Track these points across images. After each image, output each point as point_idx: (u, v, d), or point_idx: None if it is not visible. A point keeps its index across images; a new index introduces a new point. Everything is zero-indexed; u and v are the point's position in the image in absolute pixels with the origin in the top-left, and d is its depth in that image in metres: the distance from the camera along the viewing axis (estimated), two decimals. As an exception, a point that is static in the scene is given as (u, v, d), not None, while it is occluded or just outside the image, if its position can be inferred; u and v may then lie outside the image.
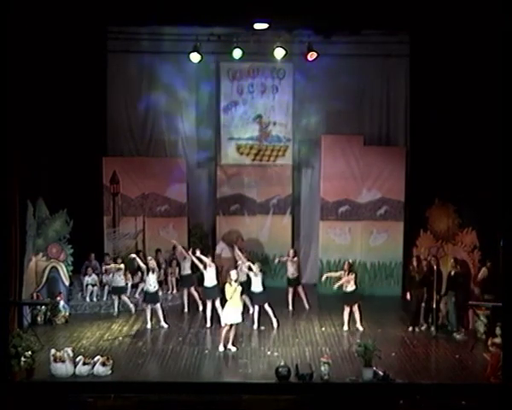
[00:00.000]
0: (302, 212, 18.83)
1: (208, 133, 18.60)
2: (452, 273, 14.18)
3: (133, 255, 15.28)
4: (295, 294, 16.04)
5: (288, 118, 18.31)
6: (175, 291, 16.63)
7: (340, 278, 14.51)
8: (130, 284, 16.00)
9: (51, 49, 15.00)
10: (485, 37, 12.96)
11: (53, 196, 15.65)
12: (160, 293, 15.26)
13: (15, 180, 12.96)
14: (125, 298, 15.63)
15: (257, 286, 14.49)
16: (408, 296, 14.69)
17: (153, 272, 14.59)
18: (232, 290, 12.93)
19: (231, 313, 12.94)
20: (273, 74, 18.16)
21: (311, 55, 16.84)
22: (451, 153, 15.62)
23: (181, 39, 17.12)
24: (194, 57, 16.92)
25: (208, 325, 14.54)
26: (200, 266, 14.82)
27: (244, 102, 18.30)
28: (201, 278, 15.02)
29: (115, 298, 15.62)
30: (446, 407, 10.65)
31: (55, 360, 11.66)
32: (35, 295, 14.98)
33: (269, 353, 12.92)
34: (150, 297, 14.59)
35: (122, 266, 15.51)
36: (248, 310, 14.78)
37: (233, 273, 13.20)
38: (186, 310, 15.78)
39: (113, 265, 15.62)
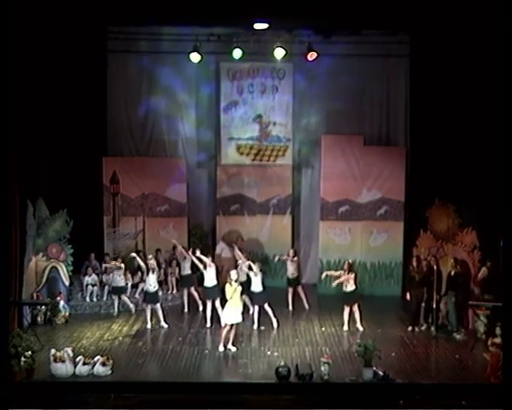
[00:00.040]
0: (302, 212, 18.83)
1: (208, 135, 18.60)
2: (452, 273, 14.18)
3: (133, 254, 15.31)
4: (295, 294, 16.05)
5: (288, 118, 18.31)
6: (175, 291, 16.64)
7: (339, 277, 14.51)
8: (130, 284, 16.00)
9: (51, 49, 15.00)
10: (485, 37, 12.96)
11: (53, 196, 15.65)
12: (160, 293, 15.27)
13: (15, 180, 12.96)
14: (125, 298, 15.63)
15: (257, 286, 14.49)
16: (408, 296, 14.68)
17: (153, 272, 14.60)
18: (232, 290, 12.93)
19: (231, 313, 12.94)
20: (273, 74, 18.17)
21: (311, 55, 16.84)
22: (451, 153, 15.62)
23: (181, 39, 17.13)
24: (194, 57, 16.92)
25: (208, 325, 14.54)
26: (200, 266, 14.82)
27: (244, 102, 18.30)
28: (201, 278, 15.02)
29: (115, 298, 15.62)
30: (446, 407, 10.63)
31: (55, 360, 11.67)
32: (35, 295, 14.99)
33: (269, 353, 12.92)
34: (150, 297, 14.59)
35: (122, 265, 15.52)
36: (248, 310, 14.77)
37: (233, 273, 13.20)
38: (186, 310, 15.78)
39: (113, 262, 15.64)
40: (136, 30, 17.30)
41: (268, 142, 18.41)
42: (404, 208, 17.49)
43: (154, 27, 17.26)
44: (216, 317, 14.41)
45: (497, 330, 11.98)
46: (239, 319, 13.09)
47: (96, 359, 11.83)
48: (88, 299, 15.92)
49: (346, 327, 14.38)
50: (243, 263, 14.93)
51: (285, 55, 16.74)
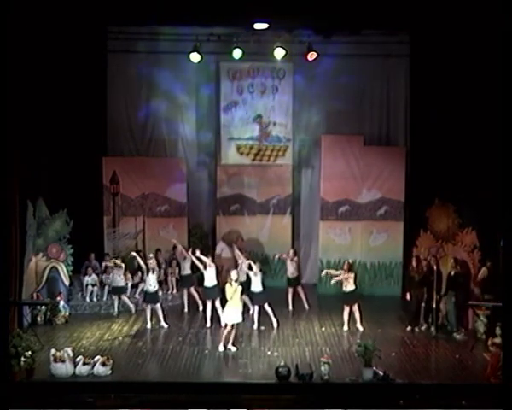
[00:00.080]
0: (302, 212, 18.83)
1: (208, 136, 18.60)
2: (452, 273, 14.18)
3: (134, 253, 15.31)
4: (295, 294, 16.05)
5: (288, 118, 18.30)
6: (175, 291, 16.63)
7: (338, 276, 14.52)
8: (130, 284, 16.00)
9: (51, 49, 14.99)
10: (485, 37, 12.96)
11: (53, 196, 15.65)
12: (160, 293, 15.26)
13: (15, 180, 12.96)
14: (125, 298, 15.63)
15: (257, 286, 14.49)
16: (408, 296, 14.68)
17: (153, 271, 14.60)
18: (232, 290, 12.93)
19: (231, 313, 12.94)
20: (273, 74, 18.16)
21: (311, 55, 16.84)
22: (451, 153, 15.62)
23: (181, 39, 17.12)
24: (194, 57, 16.91)
25: (208, 325, 14.54)
26: (200, 266, 14.82)
27: (244, 103, 18.29)
28: (201, 278, 15.03)
29: (115, 298, 15.62)
30: (446, 407, 10.63)
31: (55, 360, 11.67)
32: (35, 295, 14.99)
33: (269, 353, 12.92)
34: (150, 297, 14.59)
35: (122, 264, 15.53)
36: (248, 310, 14.77)
37: (233, 273, 13.21)
38: (186, 310, 15.78)
39: (113, 260, 15.65)
40: (136, 30, 17.29)
41: (268, 142, 18.41)
42: (404, 208, 17.48)
43: (154, 27, 17.28)
44: (216, 317, 14.41)
45: (497, 330, 11.99)
46: (239, 319, 13.09)
47: (95, 359, 11.84)
48: (88, 299, 15.92)
49: (346, 327, 14.38)
50: (243, 262, 14.94)
51: (285, 55, 16.73)
